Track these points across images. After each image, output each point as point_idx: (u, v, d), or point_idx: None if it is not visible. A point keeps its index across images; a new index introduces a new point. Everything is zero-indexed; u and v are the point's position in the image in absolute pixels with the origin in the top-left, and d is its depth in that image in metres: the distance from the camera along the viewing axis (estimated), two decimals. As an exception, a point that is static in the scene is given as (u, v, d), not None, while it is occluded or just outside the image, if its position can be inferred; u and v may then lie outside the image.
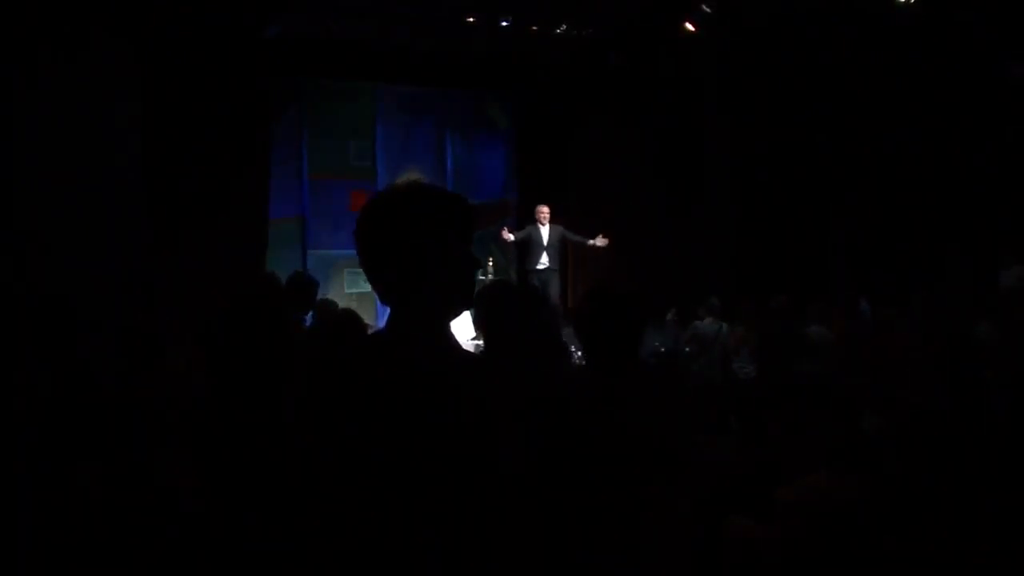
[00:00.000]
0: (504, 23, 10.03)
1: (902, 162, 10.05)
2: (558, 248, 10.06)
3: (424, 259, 1.71)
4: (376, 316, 9.52)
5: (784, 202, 11.13)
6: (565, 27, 10.40)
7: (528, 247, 10.05)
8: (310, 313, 5.68)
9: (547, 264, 9.98)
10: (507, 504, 1.71)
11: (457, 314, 1.82)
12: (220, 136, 9.07)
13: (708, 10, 9.88)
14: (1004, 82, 9.05)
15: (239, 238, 9.21)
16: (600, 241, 9.87)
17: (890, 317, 6.80)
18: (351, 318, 4.36)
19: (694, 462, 2.70)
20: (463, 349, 1.91)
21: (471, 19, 9.90)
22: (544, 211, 10.05)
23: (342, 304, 6.54)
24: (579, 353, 6.19)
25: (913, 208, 9.89)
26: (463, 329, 9.72)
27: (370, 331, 3.75)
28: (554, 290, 9.88)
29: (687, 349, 8.02)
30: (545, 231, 9.99)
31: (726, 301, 8.74)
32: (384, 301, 1.80)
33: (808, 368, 6.14)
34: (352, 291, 10.43)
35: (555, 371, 2.87)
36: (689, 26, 10.16)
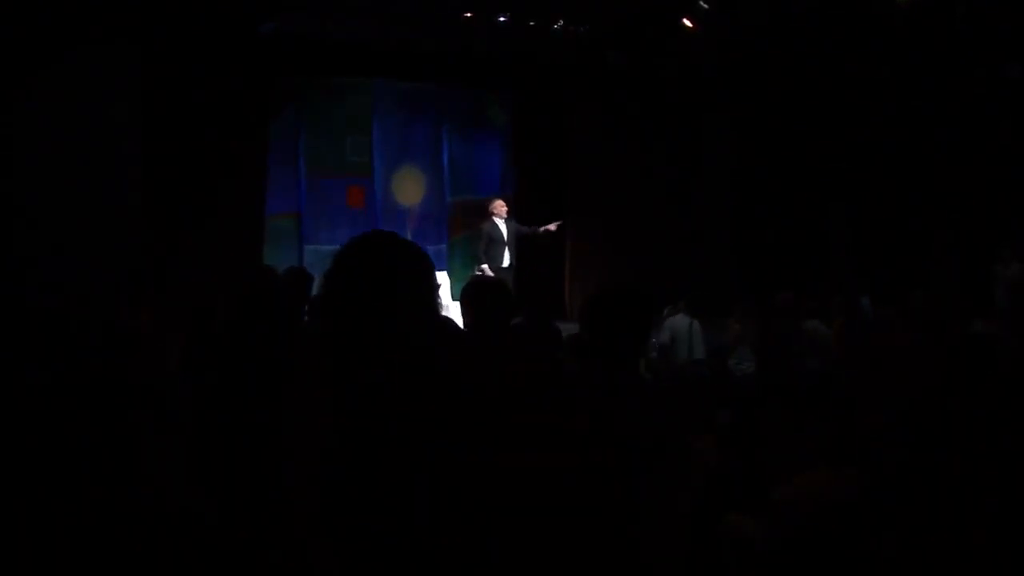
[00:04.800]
0: (501, 19, 10.01)
1: (901, 159, 10.05)
2: (515, 245, 9.79)
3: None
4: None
5: (783, 199, 11.13)
6: (562, 23, 10.39)
7: (490, 245, 9.64)
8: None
9: (509, 262, 9.63)
10: (504, 498, 1.70)
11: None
12: (218, 133, 9.06)
13: (706, 6, 9.87)
14: (1003, 81, 9.05)
15: (236, 234, 9.20)
16: (552, 226, 9.66)
17: (890, 314, 6.80)
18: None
19: (694, 459, 2.70)
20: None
21: (468, 15, 9.88)
22: (502, 205, 9.81)
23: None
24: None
25: (912, 205, 9.90)
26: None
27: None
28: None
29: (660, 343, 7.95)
30: (504, 227, 9.70)
31: (726, 299, 8.73)
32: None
33: (807, 365, 6.14)
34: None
35: (549, 364, 2.88)
36: (687, 22, 10.15)
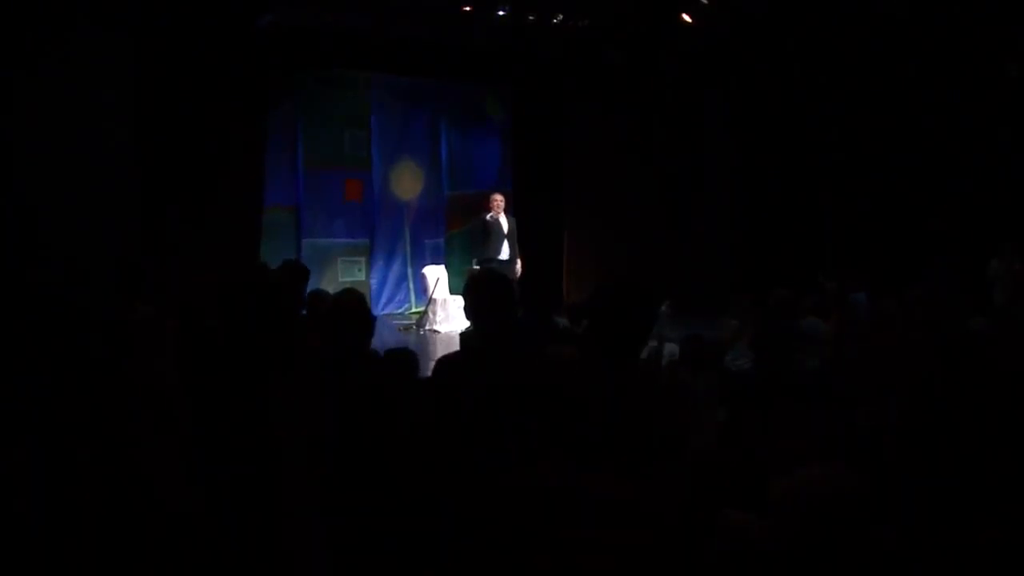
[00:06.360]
0: (500, 13, 10.00)
1: (901, 156, 10.05)
2: (515, 238, 9.90)
3: None
4: (371, 304, 9.50)
5: (782, 195, 11.13)
6: (561, 18, 10.38)
7: (488, 237, 9.83)
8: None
9: (508, 255, 9.78)
10: (503, 488, 1.71)
11: None
12: (215, 125, 9.03)
13: (705, 1, 9.86)
14: (1002, 78, 9.06)
15: (234, 227, 9.18)
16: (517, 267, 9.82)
17: (887, 309, 6.80)
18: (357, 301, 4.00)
19: (690, 452, 2.70)
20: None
21: (468, 9, 9.87)
22: (499, 199, 9.92)
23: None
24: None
25: (911, 202, 9.90)
26: (458, 318, 9.74)
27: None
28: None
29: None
30: (503, 220, 9.84)
31: (724, 295, 8.74)
32: None
33: (804, 361, 6.13)
34: (346, 279, 10.40)
35: (550, 355, 2.87)
36: (686, 18, 10.14)
